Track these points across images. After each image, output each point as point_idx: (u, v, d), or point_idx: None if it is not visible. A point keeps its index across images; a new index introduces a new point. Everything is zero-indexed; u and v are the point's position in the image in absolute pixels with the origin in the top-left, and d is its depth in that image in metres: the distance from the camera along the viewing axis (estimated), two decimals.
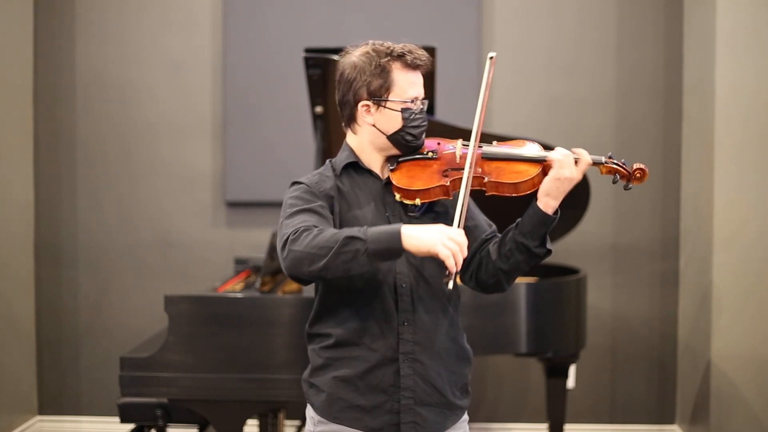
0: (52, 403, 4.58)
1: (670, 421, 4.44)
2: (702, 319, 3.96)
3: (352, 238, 1.81)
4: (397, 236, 1.80)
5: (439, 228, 1.82)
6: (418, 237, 1.80)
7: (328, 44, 3.59)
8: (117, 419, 3.65)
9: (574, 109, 4.42)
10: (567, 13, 4.43)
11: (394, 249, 1.81)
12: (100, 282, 4.55)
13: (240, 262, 4.26)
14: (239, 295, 3.21)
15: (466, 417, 2.13)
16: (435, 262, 1.97)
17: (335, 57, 3.42)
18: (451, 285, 1.83)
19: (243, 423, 3.18)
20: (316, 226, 1.88)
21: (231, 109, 4.48)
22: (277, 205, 4.67)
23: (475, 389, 4.50)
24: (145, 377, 3.10)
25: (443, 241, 1.78)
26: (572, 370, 3.90)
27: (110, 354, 4.35)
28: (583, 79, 4.42)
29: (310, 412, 2.08)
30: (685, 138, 4.32)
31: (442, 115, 3.80)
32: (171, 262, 4.53)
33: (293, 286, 3.72)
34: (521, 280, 3.63)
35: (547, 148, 2.04)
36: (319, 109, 3.54)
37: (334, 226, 1.98)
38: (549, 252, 2.01)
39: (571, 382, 3.98)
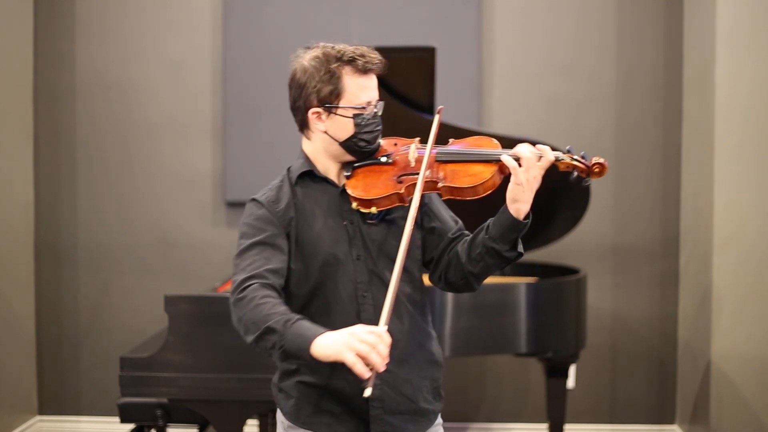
0: (52, 403, 4.58)
1: (670, 421, 4.44)
2: (702, 319, 3.96)
3: (272, 330, 1.77)
4: (308, 345, 1.73)
5: (351, 331, 1.71)
6: (327, 346, 1.71)
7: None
8: (117, 419, 3.65)
9: (573, 109, 4.42)
10: (567, 13, 4.42)
11: (303, 356, 1.76)
12: (100, 282, 4.55)
13: None
14: None
15: (440, 420, 2.09)
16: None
17: None
18: (367, 393, 1.67)
19: (243, 423, 3.18)
20: (263, 276, 1.86)
21: (231, 109, 4.47)
22: None
23: (475, 389, 4.50)
24: (145, 377, 3.10)
25: (351, 346, 1.68)
26: (572, 370, 3.91)
27: (110, 354, 4.34)
28: (583, 79, 4.42)
29: (280, 416, 2.05)
30: (685, 138, 4.31)
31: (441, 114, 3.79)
32: (171, 262, 4.53)
33: None
34: (521, 280, 3.63)
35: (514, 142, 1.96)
36: None
37: (293, 244, 1.95)
38: (520, 255, 1.94)
39: (571, 382, 3.98)
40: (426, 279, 2.09)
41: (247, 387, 3.09)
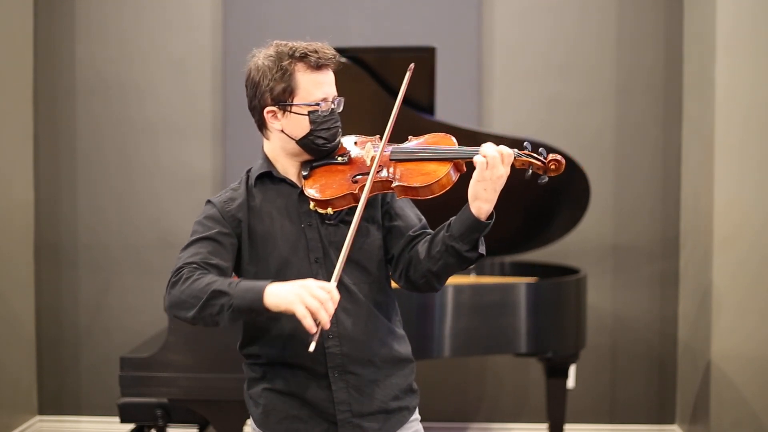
0: (52, 403, 4.58)
1: (670, 421, 4.44)
2: (702, 319, 3.96)
3: (219, 293, 1.77)
4: (260, 294, 1.75)
5: (304, 283, 1.73)
6: (278, 295, 1.73)
7: (328, 44, 3.59)
8: (117, 419, 3.65)
9: (573, 109, 4.42)
10: (567, 13, 4.42)
11: (256, 308, 1.76)
12: (100, 282, 4.55)
13: None
14: None
15: (416, 416, 2.06)
16: (357, 269, 1.93)
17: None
18: (312, 347, 1.70)
19: (243, 423, 3.19)
20: (200, 266, 1.86)
21: (231, 109, 4.48)
22: None
23: (475, 389, 4.50)
24: (145, 377, 3.10)
25: (303, 299, 1.70)
26: (572, 370, 3.91)
27: (110, 354, 4.35)
28: (583, 79, 4.42)
29: (250, 423, 2.05)
30: (685, 138, 4.32)
31: (441, 115, 3.80)
32: (171, 262, 4.49)
33: None
34: (521, 280, 3.63)
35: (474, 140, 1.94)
36: None
37: (245, 246, 1.94)
38: (481, 256, 1.88)
39: (571, 382, 3.98)
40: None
41: None
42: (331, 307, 1.72)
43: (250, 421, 2.06)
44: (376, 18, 4.39)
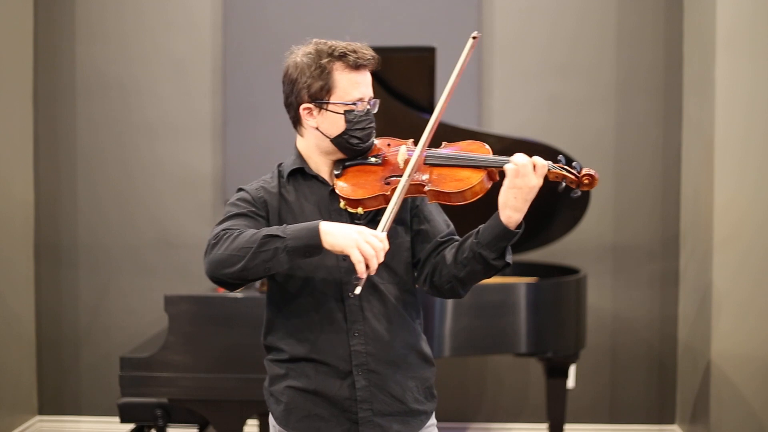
0: (52, 403, 4.58)
1: (670, 421, 4.44)
2: (702, 319, 3.96)
3: (271, 237, 1.78)
4: (316, 232, 1.77)
5: (360, 229, 1.77)
6: (335, 235, 1.76)
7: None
8: (117, 419, 3.65)
9: (573, 109, 4.42)
10: (567, 13, 4.43)
11: (313, 245, 1.77)
12: (100, 282, 4.55)
13: None
14: (239, 295, 3.21)
15: (433, 421, 2.08)
16: (385, 270, 1.92)
17: None
18: (358, 291, 1.75)
19: (243, 423, 3.19)
20: (239, 230, 1.85)
21: (231, 109, 4.47)
22: None
23: (475, 389, 4.50)
24: (145, 377, 3.10)
25: (359, 244, 1.73)
26: (572, 370, 3.91)
27: (110, 354, 4.35)
28: (583, 79, 4.42)
29: (271, 420, 2.05)
30: (685, 138, 4.32)
31: (441, 115, 3.79)
32: (171, 262, 4.53)
33: None
34: (521, 280, 3.63)
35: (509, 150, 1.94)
36: None
37: None
38: (508, 265, 1.89)
39: (571, 382, 3.98)
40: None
41: (247, 387, 3.09)
42: (382, 256, 1.75)
43: (270, 418, 2.05)
44: (376, 18, 4.39)
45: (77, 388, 4.57)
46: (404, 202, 1.95)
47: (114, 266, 4.54)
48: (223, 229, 1.87)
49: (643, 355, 4.45)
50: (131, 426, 3.61)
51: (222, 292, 3.59)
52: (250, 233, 1.82)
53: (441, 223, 2.03)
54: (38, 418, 4.56)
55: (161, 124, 4.52)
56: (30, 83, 4.49)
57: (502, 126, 4.39)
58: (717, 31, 3.78)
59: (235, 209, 1.95)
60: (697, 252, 4.07)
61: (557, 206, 3.84)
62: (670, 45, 4.37)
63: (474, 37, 1.96)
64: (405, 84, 3.51)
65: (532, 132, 4.21)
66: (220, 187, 4.52)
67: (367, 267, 1.74)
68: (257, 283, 3.40)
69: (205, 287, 4.02)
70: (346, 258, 1.91)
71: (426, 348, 2.06)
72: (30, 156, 4.51)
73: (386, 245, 1.77)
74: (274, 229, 1.80)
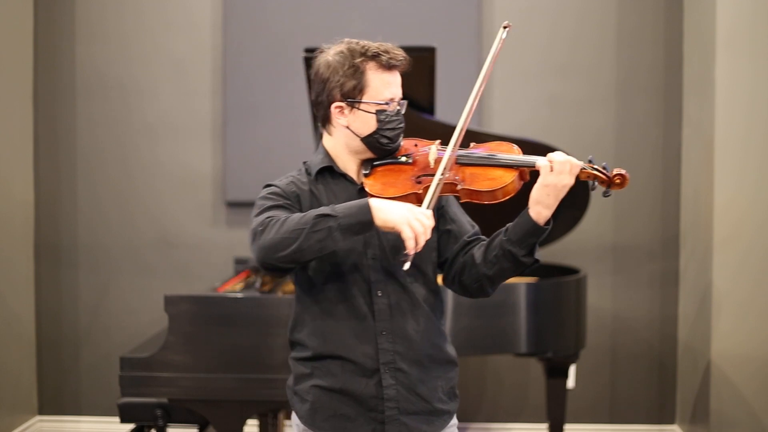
0: (52, 403, 4.58)
1: (670, 421, 4.44)
2: (702, 319, 3.96)
3: (323, 216, 1.79)
4: (367, 209, 1.79)
5: (409, 206, 1.80)
6: (386, 211, 1.79)
7: (328, 44, 3.59)
8: (117, 419, 3.65)
9: (573, 109, 4.42)
10: (567, 13, 4.43)
11: (365, 221, 1.79)
12: (100, 282, 4.55)
13: (240, 262, 4.26)
14: (239, 295, 3.21)
15: (455, 421, 2.10)
16: (413, 270, 1.94)
17: None
18: (407, 266, 1.79)
19: (243, 423, 3.18)
20: (285, 216, 1.86)
21: (231, 109, 4.47)
22: None
23: (475, 389, 4.50)
24: (145, 377, 3.10)
25: (410, 221, 1.77)
26: (572, 370, 3.91)
27: (110, 354, 4.35)
28: (583, 79, 4.42)
29: (294, 419, 2.05)
30: (685, 138, 4.32)
31: (442, 115, 3.80)
32: (171, 262, 4.53)
33: (293, 286, 3.71)
34: (521, 280, 3.63)
35: (536, 150, 1.97)
36: None
37: None
38: (537, 262, 1.93)
39: (571, 382, 3.98)
40: (439, 280, 2.08)
41: (247, 387, 3.09)
42: (430, 233, 1.79)
43: (293, 417, 2.06)
44: (376, 18, 4.39)
45: (77, 388, 4.57)
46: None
47: (114, 266, 4.54)
48: (268, 217, 1.87)
49: (643, 355, 4.45)
50: (131, 426, 3.61)
51: (222, 292, 3.59)
52: (298, 216, 1.83)
53: (466, 223, 2.06)
54: (38, 418, 4.56)
55: (161, 124, 4.52)
56: (30, 83, 4.49)
57: (502, 126, 4.39)
58: (717, 31, 3.78)
59: (270, 201, 1.95)
60: (697, 252, 4.07)
61: (557, 206, 3.83)
62: (670, 45, 4.37)
63: (504, 27, 1.97)
64: (405, 84, 3.49)
65: (532, 132, 4.21)
66: (220, 187, 4.52)
67: (416, 244, 1.77)
68: (257, 284, 3.40)
69: (205, 287, 4.02)
70: (375, 256, 1.95)
71: (451, 349, 2.08)
72: (30, 156, 4.51)
73: (433, 222, 1.80)
74: (324, 209, 1.82)
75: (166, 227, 4.54)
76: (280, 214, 1.88)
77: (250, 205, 4.60)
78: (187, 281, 4.45)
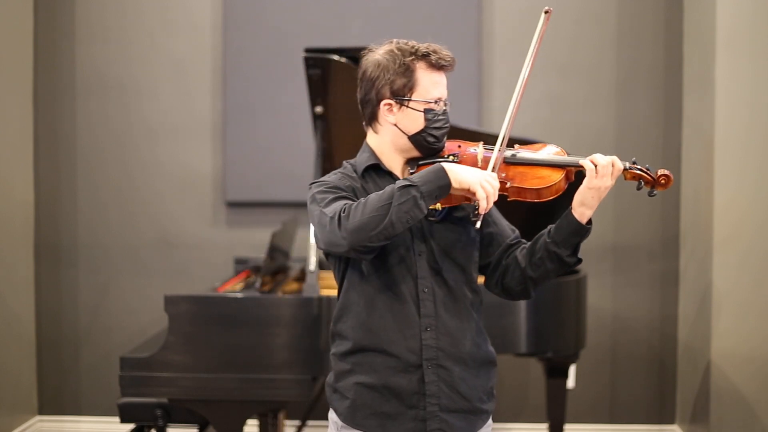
0: (52, 403, 4.58)
1: (670, 421, 4.44)
2: (702, 319, 3.96)
3: (404, 188, 1.83)
4: (443, 173, 1.84)
5: (480, 171, 1.86)
6: (461, 173, 1.85)
7: (328, 44, 3.59)
8: (117, 419, 3.65)
9: (574, 109, 4.42)
10: (567, 13, 4.43)
11: (444, 185, 1.84)
12: (100, 282, 4.55)
13: (240, 262, 4.26)
14: (239, 295, 3.21)
15: (491, 422, 2.13)
16: (456, 268, 1.98)
17: (335, 57, 3.42)
18: (478, 225, 1.87)
19: (243, 423, 3.18)
20: (362, 199, 1.88)
21: (231, 110, 4.47)
22: (278, 205, 4.66)
23: None
24: (145, 377, 3.10)
25: (482, 182, 1.83)
26: (572, 370, 3.90)
27: (110, 354, 4.35)
28: (583, 79, 4.42)
29: (333, 416, 2.05)
30: (685, 138, 4.32)
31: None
32: (171, 262, 4.53)
33: (293, 286, 3.72)
34: None
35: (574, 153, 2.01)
36: (319, 109, 3.54)
37: None
38: (579, 261, 1.99)
39: (571, 382, 3.98)
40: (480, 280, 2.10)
41: (247, 387, 3.09)
42: (497, 196, 1.88)
43: (331, 414, 2.05)
44: (376, 18, 4.39)
45: (77, 388, 4.57)
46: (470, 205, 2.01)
47: (114, 266, 4.55)
48: (344, 204, 1.88)
49: (643, 354, 4.45)
50: (131, 426, 3.61)
51: (222, 292, 3.59)
52: (377, 195, 1.85)
53: (507, 227, 2.11)
54: (38, 418, 4.56)
55: (161, 124, 4.52)
56: (30, 83, 4.49)
57: (501, 126, 4.38)
58: (717, 31, 3.78)
59: (332, 193, 1.95)
60: (697, 252, 4.07)
61: (557, 206, 3.83)
62: (670, 45, 4.37)
63: (546, 11, 2.02)
64: None
65: (533, 132, 4.21)
66: (220, 187, 4.52)
67: (488, 204, 1.84)
68: (257, 284, 3.39)
69: (205, 287, 4.01)
70: (422, 252, 1.98)
71: (491, 348, 2.11)
72: (30, 156, 4.51)
73: (499, 184, 1.88)
74: (402, 181, 1.85)
75: (166, 227, 4.54)
76: (350, 202, 1.90)
77: (250, 205, 4.64)
78: (187, 281, 4.45)
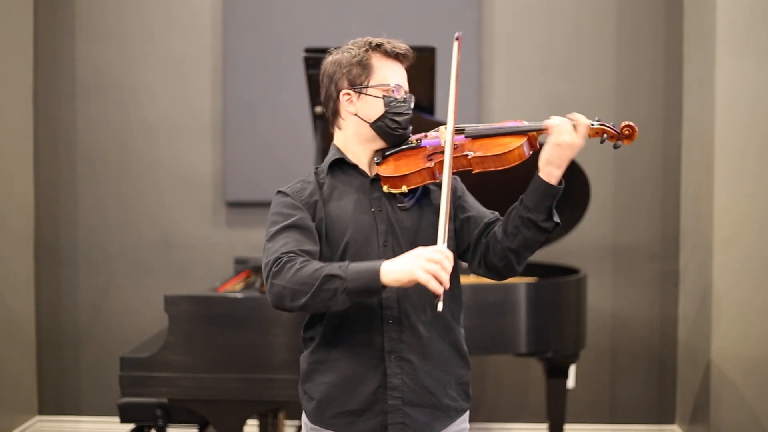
0: (52, 403, 4.58)
1: (670, 421, 4.44)
2: (702, 319, 3.96)
3: (331, 277, 1.79)
4: (376, 273, 1.77)
5: (415, 253, 1.77)
6: (395, 269, 1.76)
7: (328, 44, 3.57)
8: (117, 419, 3.65)
9: (574, 109, 4.34)
10: (567, 13, 4.43)
11: (373, 287, 1.78)
12: (100, 282, 4.55)
13: (240, 262, 4.26)
14: (239, 295, 3.21)
15: (466, 425, 2.08)
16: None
17: None
18: (440, 307, 1.75)
19: (243, 423, 3.18)
20: (297, 253, 1.87)
21: (231, 109, 4.48)
22: None
23: (475, 389, 4.50)
24: (145, 377, 3.10)
25: (421, 266, 1.74)
26: (572, 370, 3.91)
27: (110, 354, 4.35)
28: (582, 79, 4.42)
29: (303, 418, 2.07)
30: (685, 138, 4.32)
31: (442, 115, 3.80)
32: (171, 262, 4.53)
33: None
34: (521, 280, 3.63)
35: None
36: (319, 109, 3.54)
37: (321, 230, 1.97)
38: (557, 225, 1.94)
39: (571, 382, 3.98)
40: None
41: (247, 387, 3.09)
42: (448, 265, 1.75)
43: (303, 417, 2.06)
44: (376, 18, 4.39)
45: (77, 388, 4.57)
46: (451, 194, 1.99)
47: (114, 266, 4.55)
48: (284, 255, 1.87)
49: (643, 354, 4.45)
50: (131, 426, 3.61)
51: (222, 292, 3.59)
52: (312, 268, 1.82)
53: (483, 210, 2.08)
54: (38, 418, 4.56)
55: (161, 124, 4.52)
56: (30, 83, 4.49)
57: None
58: (717, 31, 3.78)
59: (282, 219, 1.95)
60: (697, 252, 4.07)
61: (557, 206, 3.83)
62: (670, 45, 4.37)
63: (457, 38, 2.03)
64: None
65: None
66: (220, 187, 4.52)
67: (441, 283, 1.74)
68: (257, 284, 3.39)
69: (205, 287, 4.01)
70: (387, 243, 1.96)
71: (463, 346, 2.07)
72: (30, 156, 4.51)
73: (448, 254, 1.76)
74: (336, 268, 1.81)
75: (166, 227, 4.54)
76: (292, 241, 1.89)
77: (250, 205, 4.64)
78: (187, 281, 4.45)
